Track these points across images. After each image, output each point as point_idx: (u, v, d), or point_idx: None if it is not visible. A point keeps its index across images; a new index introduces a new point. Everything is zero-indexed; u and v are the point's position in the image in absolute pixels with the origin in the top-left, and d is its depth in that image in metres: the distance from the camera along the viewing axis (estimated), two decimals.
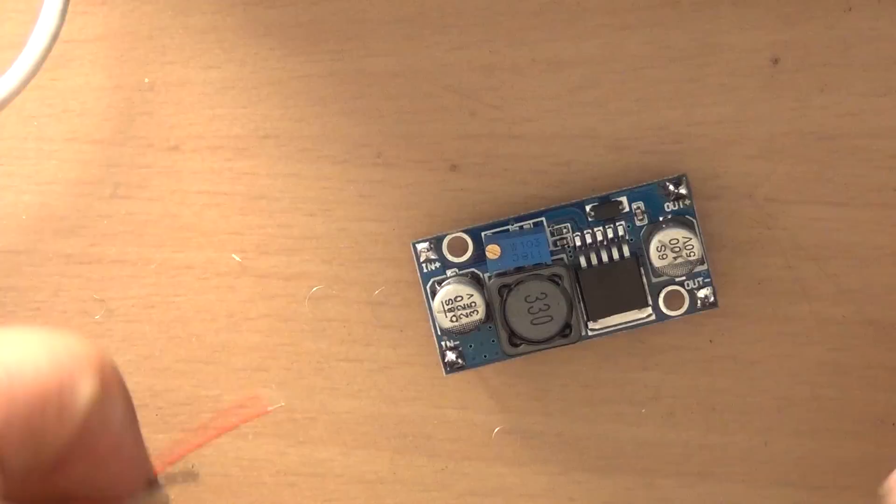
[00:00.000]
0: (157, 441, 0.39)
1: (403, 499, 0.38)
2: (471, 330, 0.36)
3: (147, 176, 0.39)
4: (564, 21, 0.38)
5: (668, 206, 0.37)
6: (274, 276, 0.39)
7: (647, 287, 0.37)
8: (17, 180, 0.39)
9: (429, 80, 0.38)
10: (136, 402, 0.30)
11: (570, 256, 0.37)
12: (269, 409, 0.31)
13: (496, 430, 0.39)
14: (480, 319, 0.36)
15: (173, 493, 0.39)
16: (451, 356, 0.37)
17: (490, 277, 0.37)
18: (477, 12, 0.38)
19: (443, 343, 0.37)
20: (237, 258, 0.39)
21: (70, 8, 0.38)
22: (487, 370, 0.38)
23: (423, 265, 0.37)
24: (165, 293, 0.39)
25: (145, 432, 0.39)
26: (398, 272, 0.38)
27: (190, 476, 0.39)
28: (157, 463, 0.30)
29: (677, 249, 0.36)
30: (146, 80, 0.39)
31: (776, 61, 0.37)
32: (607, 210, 0.37)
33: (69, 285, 0.39)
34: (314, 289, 0.39)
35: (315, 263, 0.39)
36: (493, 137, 0.38)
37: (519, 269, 0.36)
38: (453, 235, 0.37)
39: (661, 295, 0.37)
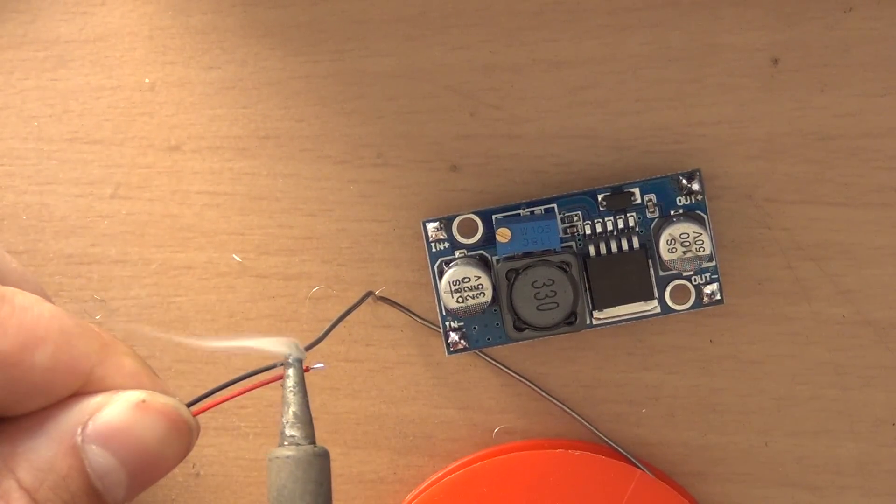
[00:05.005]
0: None
1: (403, 499, 0.38)
2: (476, 312, 0.36)
3: (147, 176, 0.39)
4: (564, 21, 0.38)
5: (680, 201, 0.37)
6: (274, 276, 0.39)
7: (654, 280, 0.37)
8: (17, 180, 0.39)
9: (429, 80, 0.38)
10: None
11: (580, 245, 0.37)
12: (311, 367, 0.31)
13: (496, 430, 0.39)
14: (487, 302, 0.36)
15: (174, 492, 0.39)
16: (454, 337, 0.37)
17: (498, 261, 0.37)
18: (477, 12, 0.38)
19: (447, 323, 0.37)
20: (237, 258, 0.39)
21: (70, 8, 0.38)
22: (488, 370, 0.38)
23: (433, 244, 0.37)
24: (166, 293, 0.39)
25: None
26: (398, 272, 0.38)
27: (190, 476, 0.39)
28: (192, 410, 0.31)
29: (687, 244, 0.36)
30: (146, 81, 0.39)
31: (776, 61, 0.37)
32: (619, 200, 0.37)
33: (70, 285, 0.39)
34: (314, 289, 0.39)
35: (315, 263, 0.39)
36: (493, 137, 0.38)
37: (527, 255, 0.36)
38: (464, 217, 0.37)
39: (668, 289, 0.37)
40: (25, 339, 0.28)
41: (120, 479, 0.29)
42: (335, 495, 0.39)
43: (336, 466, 0.39)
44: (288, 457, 0.29)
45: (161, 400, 0.29)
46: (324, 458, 0.30)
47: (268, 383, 0.31)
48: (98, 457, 0.29)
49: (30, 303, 0.29)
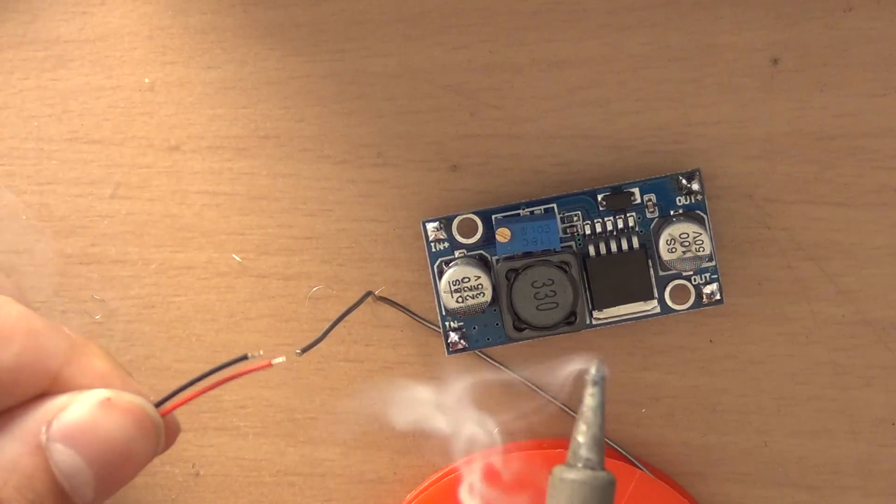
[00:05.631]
0: None
1: (403, 499, 0.38)
2: (476, 312, 0.36)
3: (147, 176, 0.39)
4: (564, 21, 0.38)
5: (679, 201, 0.37)
6: (274, 276, 0.39)
7: (653, 280, 0.37)
8: (17, 180, 0.39)
9: (429, 80, 0.38)
10: None
11: (579, 244, 0.37)
12: (273, 362, 0.31)
13: (496, 430, 0.39)
14: (486, 302, 0.36)
15: (174, 492, 0.39)
16: (454, 337, 0.37)
17: (498, 261, 0.37)
18: (477, 12, 0.38)
19: (447, 323, 0.37)
20: (237, 258, 0.39)
21: (70, 8, 0.38)
22: (488, 370, 0.38)
23: (432, 244, 0.37)
24: (166, 293, 0.39)
25: None
26: (398, 272, 0.38)
27: (190, 476, 0.39)
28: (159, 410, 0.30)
29: (687, 244, 0.36)
30: (146, 80, 0.39)
31: (776, 61, 0.37)
32: (619, 200, 0.37)
33: (69, 285, 0.39)
34: (314, 289, 0.39)
35: (315, 263, 0.39)
36: (493, 137, 0.38)
37: (527, 254, 0.36)
38: (463, 216, 0.37)
39: (668, 289, 0.37)
40: None
41: (87, 478, 0.29)
42: (334, 495, 0.39)
43: (336, 466, 0.39)
44: (584, 482, 0.28)
45: (126, 398, 0.29)
46: (613, 486, 0.29)
47: (234, 378, 0.31)
48: (63, 456, 0.28)
49: (7, 301, 0.29)
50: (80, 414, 0.28)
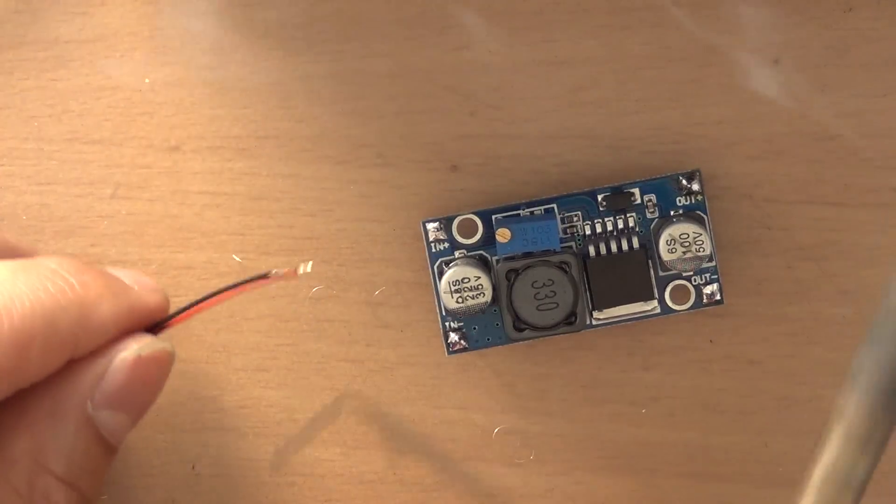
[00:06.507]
0: (158, 441, 0.39)
1: (403, 499, 0.38)
2: (476, 312, 0.36)
3: (147, 176, 0.39)
4: (564, 21, 0.38)
5: (679, 201, 0.37)
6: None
7: (654, 280, 0.37)
8: (17, 180, 0.39)
9: (429, 80, 0.38)
10: None
11: (580, 245, 0.37)
12: (299, 271, 0.33)
13: (496, 430, 0.39)
14: (487, 302, 0.36)
15: (174, 492, 0.39)
16: (454, 337, 0.37)
17: (498, 261, 0.37)
18: (477, 12, 0.38)
19: (447, 324, 0.37)
20: (238, 258, 0.39)
21: (70, 8, 0.38)
22: (488, 370, 0.38)
23: (432, 245, 0.37)
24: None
25: (146, 431, 0.39)
26: (398, 272, 0.38)
27: (190, 476, 0.39)
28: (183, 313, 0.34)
29: (687, 244, 0.36)
30: (146, 81, 0.39)
31: (776, 61, 0.37)
32: (619, 201, 0.37)
33: None
34: (314, 289, 0.39)
35: (315, 263, 0.39)
36: (493, 137, 0.38)
37: (527, 255, 0.36)
38: (463, 217, 0.37)
39: (668, 289, 0.37)
40: (20, 347, 0.29)
41: (126, 425, 0.32)
42: (334, 495, 0.39)
43: (336, 466, 0.39)
44: None
45: (151, 349, 0.32)
46: None
47: (259, 286, 0.33)
48: (109, 419, 0.31)
49: (10, 299, 0.30)
50: (119, 379, 0.31)
